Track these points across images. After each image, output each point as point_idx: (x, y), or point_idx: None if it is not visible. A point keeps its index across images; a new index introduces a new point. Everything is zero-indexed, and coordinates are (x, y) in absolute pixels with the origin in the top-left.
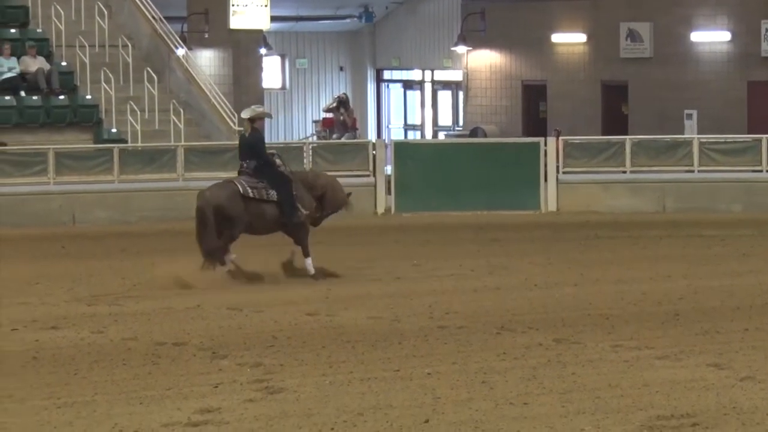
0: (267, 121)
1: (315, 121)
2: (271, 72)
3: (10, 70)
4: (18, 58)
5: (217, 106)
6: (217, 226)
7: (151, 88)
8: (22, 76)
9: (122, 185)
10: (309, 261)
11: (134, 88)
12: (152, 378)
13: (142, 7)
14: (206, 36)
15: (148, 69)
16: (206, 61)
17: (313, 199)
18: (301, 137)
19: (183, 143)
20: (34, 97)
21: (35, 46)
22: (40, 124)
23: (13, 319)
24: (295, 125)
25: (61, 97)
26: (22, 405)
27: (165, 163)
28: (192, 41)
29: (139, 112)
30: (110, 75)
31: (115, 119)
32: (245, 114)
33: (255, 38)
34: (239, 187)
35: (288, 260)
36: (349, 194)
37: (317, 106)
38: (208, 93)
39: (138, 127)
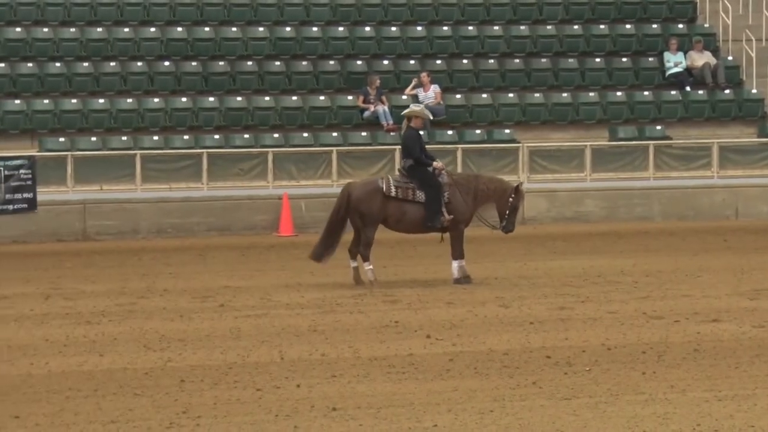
0: None
1: None
2: None
3: (676, 65)
4: (684, 53)
5: None
6: (353, 222)
7: None
8: (689, 70)
9: None
10: (455, 263)
11: None
12: None
13: None
14: None
15: None
16: None
17: (474, 205)
18: None
19: None
20: (700, 92)
21: (701, 40)
22: (705, 118)
23: (675, 311)
24: None
25: (727, 91)
26: (683, 396)
27: None
28: None
29: None
30: None
31: None
32: (404, 112)
33: None
34: (383, 184)
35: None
36: (520, 184)
37: None
38: None
39: None
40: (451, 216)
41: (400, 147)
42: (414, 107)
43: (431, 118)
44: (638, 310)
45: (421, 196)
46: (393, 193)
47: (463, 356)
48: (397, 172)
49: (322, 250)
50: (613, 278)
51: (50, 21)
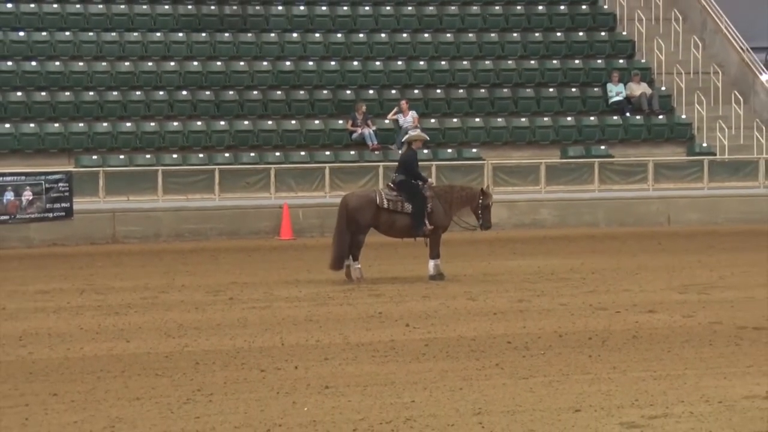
0: None
1: None
2: None
3: (617, 94)
4: (625, 84)
5: None
6: (348, 228)
7: (737, 108)
8: (628, 99)
9: (711, 191)
10: (432, 263)
11: (722, 108)
12: (735, 357)
13: (732, 40)
14: None
15: (735, 92)
16: None
17: (452, 212)
18: None
19: (764, 156)
20: (637, 117)
21: (639, 73)
22: (642, 139)
23: (617, 303)
24: None
25: (660, 117)
26: (624, 375)
27: (747, 173)
28: None
29: (726, 129)
30: (702, 98)
31: (705, 135)
32: (404, 138)
33: None
34: (377, 197)
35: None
36: (484, 186)
37: None
38: None
39: (725, 142)
40: (432, 226)
41: (397, 163)
42: (412, 133)
43: (428, 138)
44: (585, 303)
45: (408, 207)
46: (385, 206)
47: (436, 342)
48: (385, 187)
49: (337, 258)
50: (564, 275)
51: (85, 56)
